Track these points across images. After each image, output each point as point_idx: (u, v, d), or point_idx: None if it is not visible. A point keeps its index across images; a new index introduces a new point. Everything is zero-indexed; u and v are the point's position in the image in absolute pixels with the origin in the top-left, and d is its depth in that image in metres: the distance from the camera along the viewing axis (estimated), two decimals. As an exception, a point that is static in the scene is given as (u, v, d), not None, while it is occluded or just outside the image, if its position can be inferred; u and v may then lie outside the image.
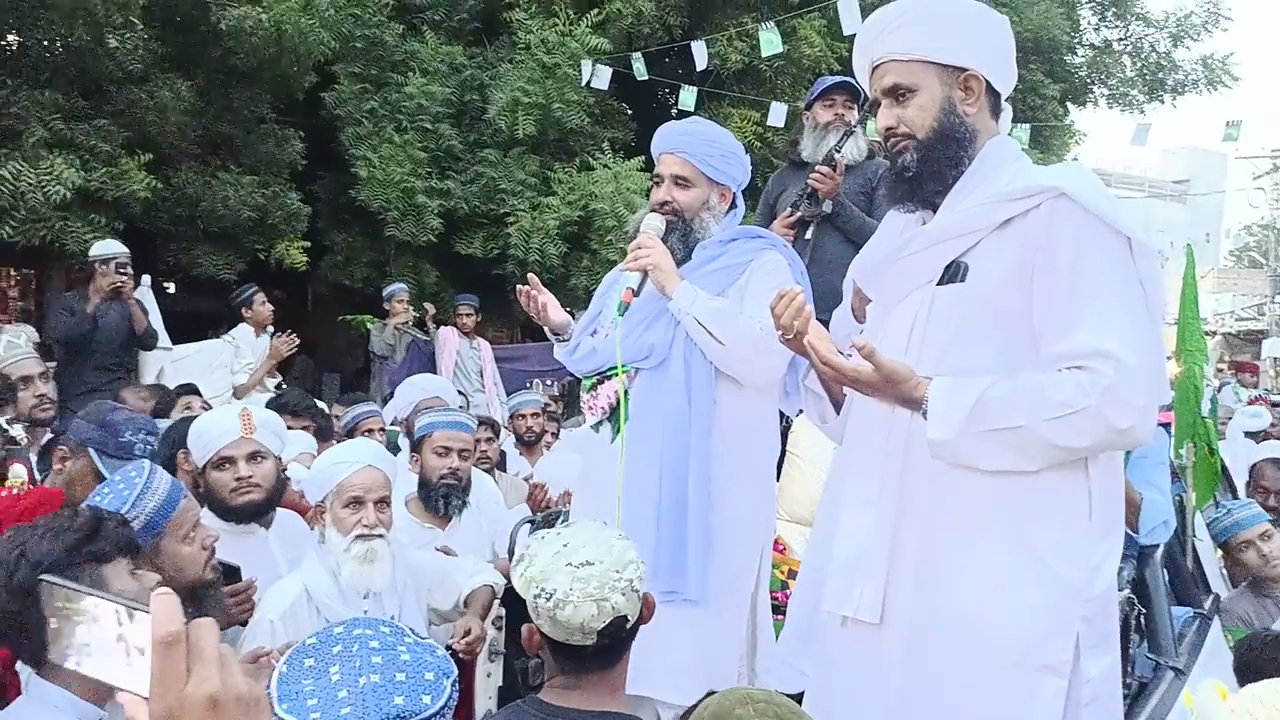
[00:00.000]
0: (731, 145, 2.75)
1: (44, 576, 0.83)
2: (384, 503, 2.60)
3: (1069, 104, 13.95)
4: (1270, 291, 33.03)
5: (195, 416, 3.38)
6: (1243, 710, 1.62)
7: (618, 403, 2.61)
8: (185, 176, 8.06)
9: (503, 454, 5.45)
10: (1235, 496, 4.76)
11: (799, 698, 2.25)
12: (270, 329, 6.56)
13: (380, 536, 2.53)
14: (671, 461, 2.56)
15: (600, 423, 2.73)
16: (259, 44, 7.77)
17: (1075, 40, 13.64)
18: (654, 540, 2.52)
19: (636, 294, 2.55)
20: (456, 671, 1.46)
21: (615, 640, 1.79)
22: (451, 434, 3.36)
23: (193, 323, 8.22)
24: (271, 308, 6.54)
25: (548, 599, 1.74)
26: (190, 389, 4.76)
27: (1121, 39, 13.90)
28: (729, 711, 1.42)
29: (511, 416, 5.72)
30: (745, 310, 2.55)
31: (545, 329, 2.95)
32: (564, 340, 2.87)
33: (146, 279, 6.13)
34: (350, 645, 1.40)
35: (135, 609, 0.78)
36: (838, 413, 2.14)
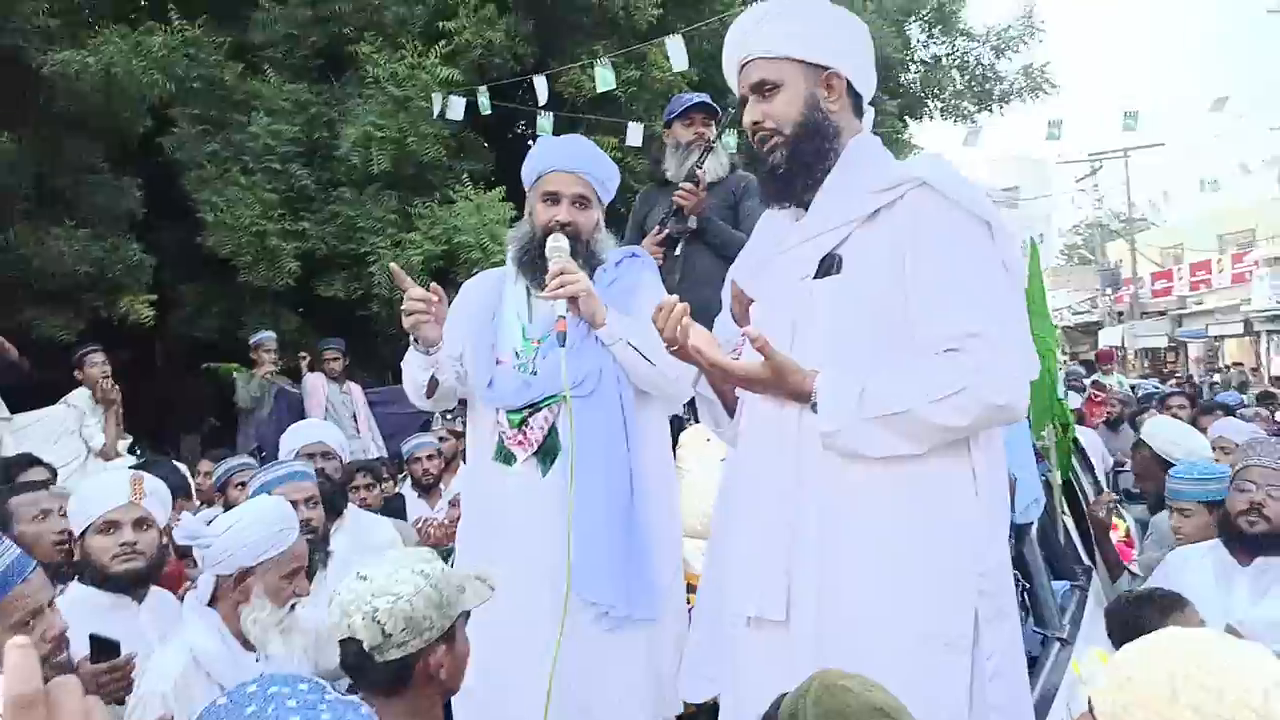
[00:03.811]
0: (615, 167, 2.78)
1: None
2: None
3: (907, 118, 14.63)
4: (1101, 285, 35.43)
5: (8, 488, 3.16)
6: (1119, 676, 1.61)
7: (547, 436, 2.53)
8: (14, 234, 7.55)
9: (401, 499, 5.26)
10: (1094, 474, 5.04)
11: (713, 706, 2.23)
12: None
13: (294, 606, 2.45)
14: (618, 487, 2.53)
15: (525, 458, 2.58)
16: (87, 89, 7.37)
17: (907, 57, 14.33)
18: (623, 569, 2.49)
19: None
20: None
21: (357, 662, 1.77)
22: (292, 486, 3.08)
23: (33, 391, 7.64)
24: (105, 367, 6.02)
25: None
26: (30, 459, 4.40)
27: (949, 54, 14.67)
28: (834, 683, 1.41)
29: (407, 460, 5.50)
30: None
31: (413, 338, 2.61)
32: (428, 353, 2.58)
33: (-25, 344, 5.67)
34: (265, 705, 1.27)
35: None
36: (731, 416, 2.15)
